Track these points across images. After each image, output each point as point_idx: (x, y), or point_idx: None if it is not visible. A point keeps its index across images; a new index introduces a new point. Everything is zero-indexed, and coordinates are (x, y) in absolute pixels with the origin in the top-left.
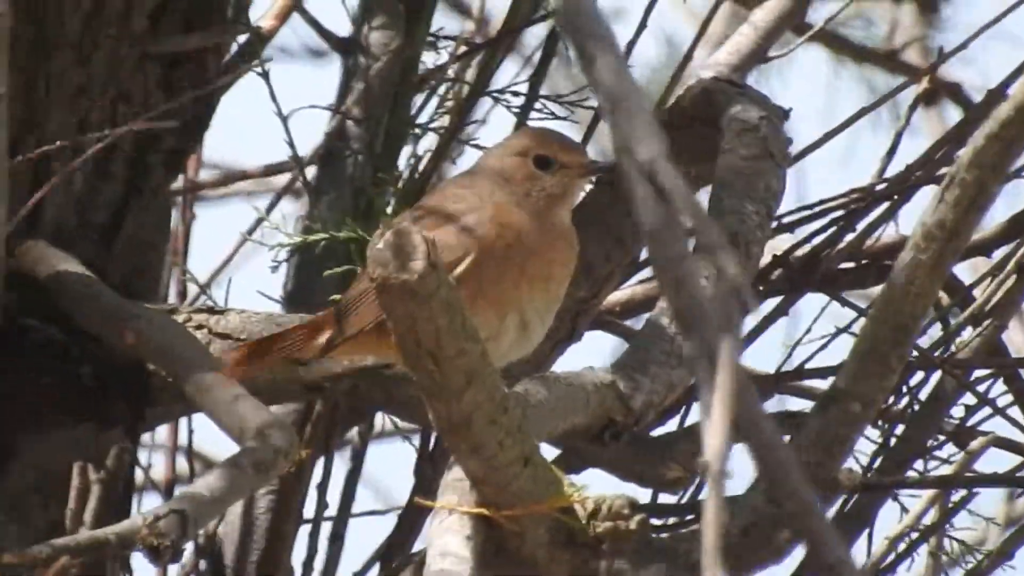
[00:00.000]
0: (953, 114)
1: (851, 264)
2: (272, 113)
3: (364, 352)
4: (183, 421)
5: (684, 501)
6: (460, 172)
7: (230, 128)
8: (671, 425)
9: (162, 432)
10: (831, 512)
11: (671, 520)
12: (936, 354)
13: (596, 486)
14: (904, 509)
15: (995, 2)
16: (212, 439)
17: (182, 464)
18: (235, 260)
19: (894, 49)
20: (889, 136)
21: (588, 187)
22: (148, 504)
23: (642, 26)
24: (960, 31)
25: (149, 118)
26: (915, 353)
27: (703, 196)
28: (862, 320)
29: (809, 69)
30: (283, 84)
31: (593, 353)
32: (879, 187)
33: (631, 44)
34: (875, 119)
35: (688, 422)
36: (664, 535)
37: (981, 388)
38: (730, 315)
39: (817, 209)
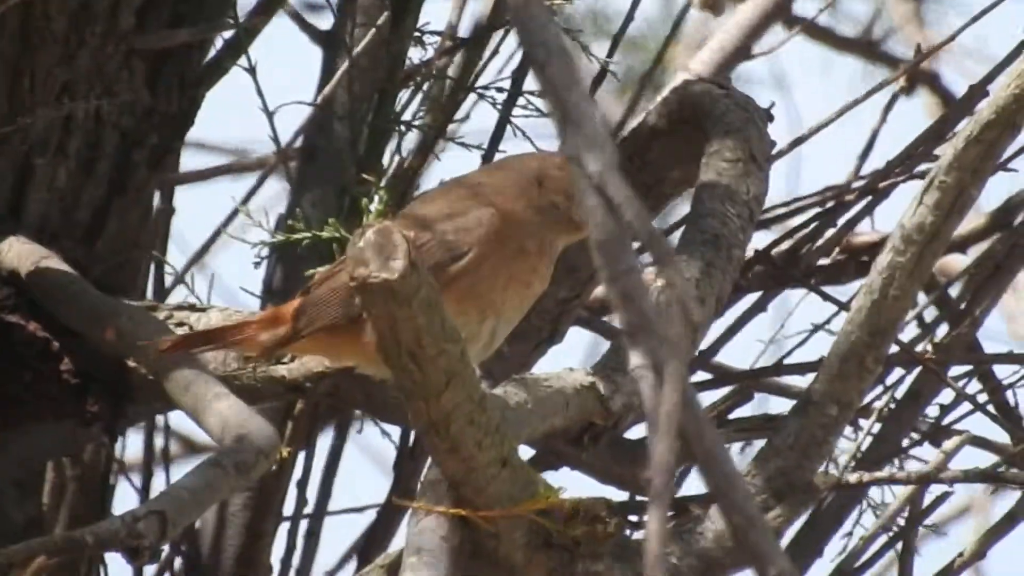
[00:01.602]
0: (933, 106)
1: (831, 260)
2: (246, 104)
3: (322, 352)
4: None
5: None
6: (475, 170)
7: (210, 119)
8: None
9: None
10: (807, 513)
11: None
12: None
13: (574, 488)
14: (876, 509)
15: None
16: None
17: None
18: (216, 247)
19: (875, 40)
20: (863, 130)
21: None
22: (123, 494)
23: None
24: (941, 24)
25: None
26: (895, 349)
27: (686, 199)
28: (842, 315)
29: (793, 61)
30: (263, 77)
31: (571, 348)
32: (855, 184)
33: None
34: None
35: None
36: (641, 537)
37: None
38: (677, 328)
39: (793, 207)
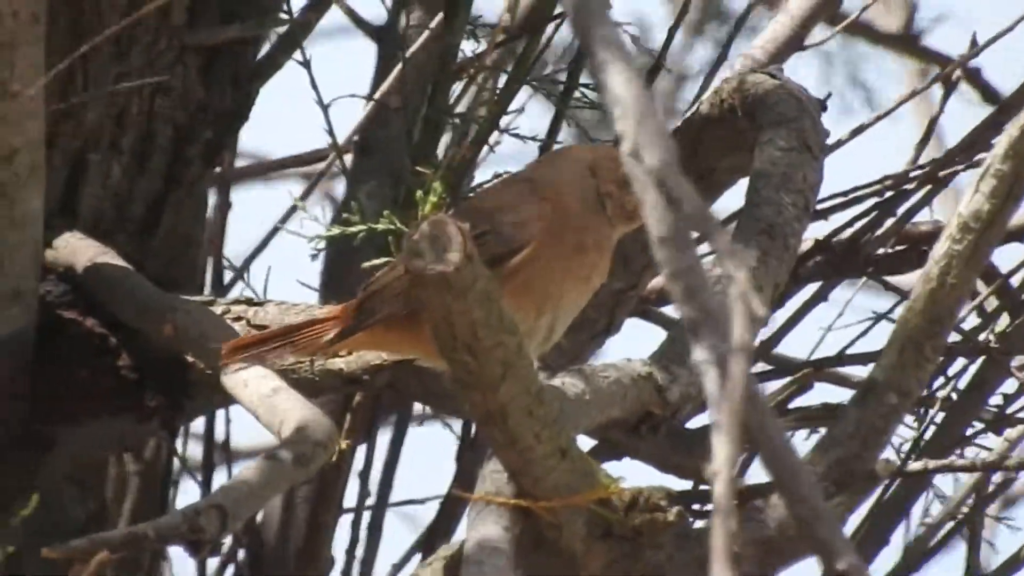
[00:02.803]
0: (972, 98)
1: (891, 250)
2: (301, 100)
3: (381, 346)
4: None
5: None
6: (528, 164)
7: (264, 116)
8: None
9: (199, 421)
10: (869, 502)
11: (710, 506)
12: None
13: (633, 478)
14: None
15: None
16: (248, 428)
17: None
18: (272, 243)
19: (914, 35)
20: (911, 123)
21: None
22: (185, 490)
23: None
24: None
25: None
26: (958, 338)
27: (740, 187)
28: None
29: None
30: (317, 72)
31: (628, 340)
32: (912, 174)
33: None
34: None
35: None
36: (702, 525)
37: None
38: (740, 323)
39: (851, 196)
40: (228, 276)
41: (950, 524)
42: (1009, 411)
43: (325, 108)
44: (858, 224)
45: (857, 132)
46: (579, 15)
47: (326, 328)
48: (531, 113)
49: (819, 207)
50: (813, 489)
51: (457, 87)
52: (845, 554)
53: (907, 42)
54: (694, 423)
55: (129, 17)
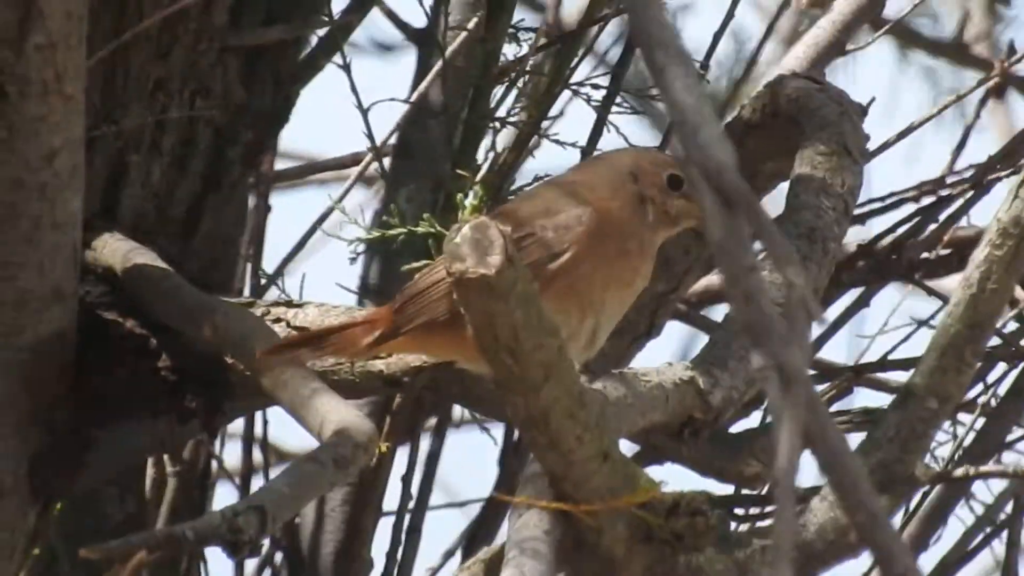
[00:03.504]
0: (1020, 107)
1: (933, 255)
2: (340, 103)
3: (421, 348)
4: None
5: (764, 495)
6: (568, 169)
7: (302, 118)
8: (752, 419)
9: (238, 422)
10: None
11: (751, 511)
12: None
13: (675, 481)
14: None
15: None
16: (288, 430)
17: (257, 454)
18: (311, 246)
19: (963, 43)
20: (953, 130)
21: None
22: (222, 493)
23: (721, 30)
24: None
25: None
26: (998, 342)
27: (781, 192)
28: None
29: (877, 63)
30: (356, 75)
31: (667, 342)
32: (950, 179)
33: (711, 48)
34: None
35: (767, 418)
36: (743, 530)
37: None
38: (799, 328)
39: (888, 201)
40: (265, 279)
41: (988, 529)
42: None
43: (365, 112)
44: (900, 229)
45: (901, 136)
46: (638, 19)
47: (367, 330)
48: (571, 118)
49: (858, 211)
50: (871, 495)
51: (498, 91)
52: (904, 560)
53: (955, 49)
54: (736, 427)
55: (170, 18)
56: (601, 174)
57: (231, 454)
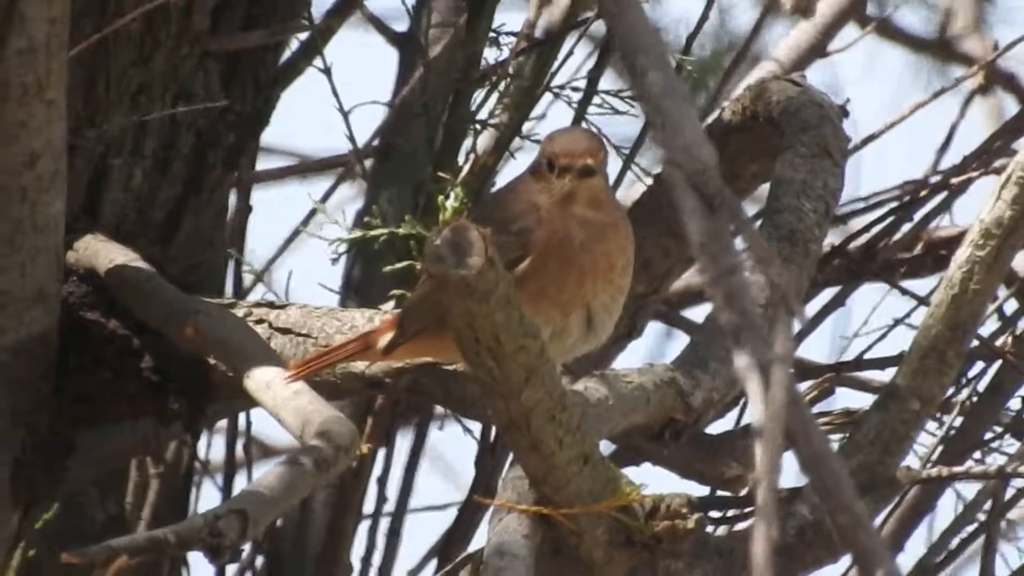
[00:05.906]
0: (1008, 103)
1: (908, 254)
2: (323, 101)
3: (425, 354)
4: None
5: (743, 498)
6: (512, 179)
7: (284, 119)
8: (731, 420)
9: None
10: (890, 506)
11: (730, 513)
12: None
13: (655, 484)
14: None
15: None
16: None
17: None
18: (293, 245)
19: (949, 39)
20: (942, 126)
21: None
22: (206, 494)
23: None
24: (1018, 25)
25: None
26: (976, 343)
27: (762, 194)
28: (921, 310)
29: (864, 60)
30: (338, 77)
31: (645, 340)
32: (932, 179)
33: (691, 37)
34: (929, 110)
35: (747, 419)
36: (721, 533)
37: None
38: (780, 328)
39: (871, 201)
40: (248, 279)
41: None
42: None
43: (346, 115)
44: (875, 229)
45: (871, 139)
46: (618, 23)
47: (381, 337)
48: (552, 120)
49: (838, 212)
50: (854, 496)
51: (479, 94)
52: (886, 562)
53: (939, 46)
54: (715, 428)
55: (151, 22)
56: (531, 173)
57: (215, 449)
